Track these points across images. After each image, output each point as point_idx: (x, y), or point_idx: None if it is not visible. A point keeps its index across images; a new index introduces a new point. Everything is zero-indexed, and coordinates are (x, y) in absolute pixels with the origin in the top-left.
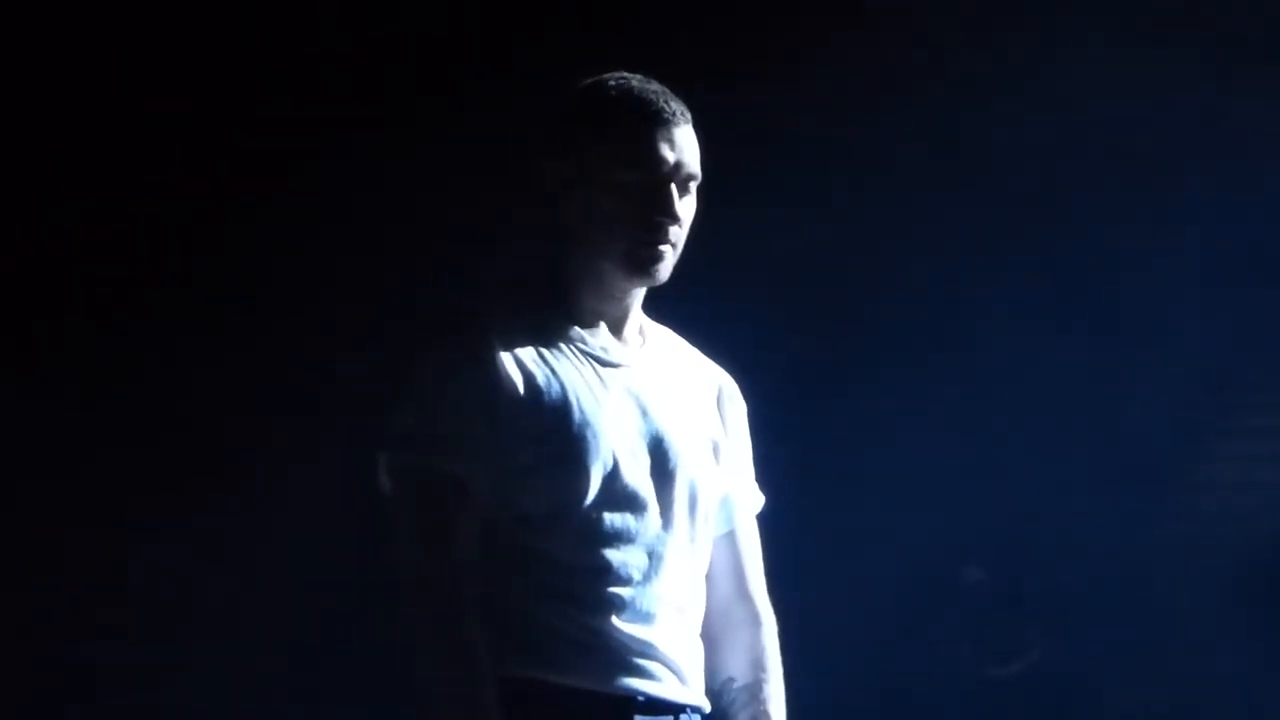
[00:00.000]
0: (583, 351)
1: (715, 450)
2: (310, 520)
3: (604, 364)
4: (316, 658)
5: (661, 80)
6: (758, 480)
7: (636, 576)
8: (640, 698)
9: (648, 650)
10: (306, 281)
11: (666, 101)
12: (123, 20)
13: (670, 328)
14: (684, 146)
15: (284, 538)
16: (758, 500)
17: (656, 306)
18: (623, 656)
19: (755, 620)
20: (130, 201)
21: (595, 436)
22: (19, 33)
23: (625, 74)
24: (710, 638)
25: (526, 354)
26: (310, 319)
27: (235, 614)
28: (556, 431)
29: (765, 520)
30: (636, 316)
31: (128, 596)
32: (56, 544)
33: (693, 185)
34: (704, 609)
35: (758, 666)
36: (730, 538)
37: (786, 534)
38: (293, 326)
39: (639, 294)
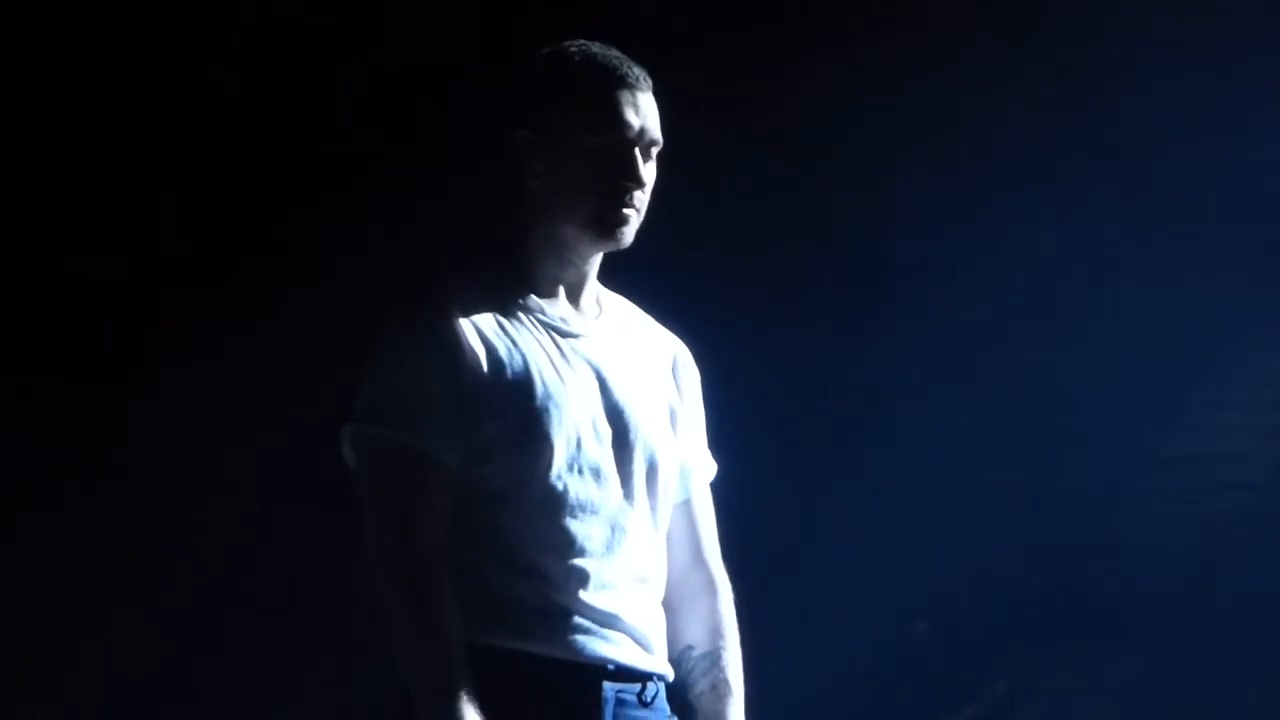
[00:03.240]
0: (542, 322)
1: (673, 419)
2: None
3: (563, 334)
4: (315, 656)
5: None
6: (714, 450)
7: (599, 549)
8: (610, 665)
9: (613, 620)
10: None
11: (630, 67)
12: (121, 19)
13: (631, 298)
14: (647, 112)
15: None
16: (711, 468)
17: (614, 278)
18: (589, 627)
19: (711, 587)
20: (129, 203)
21: (558, 409)
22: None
23: (585, 41)
24: (668, 605)
25: (488, 326)
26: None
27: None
28: (519, 405)
29: (733, 496)
30: (593, 285)
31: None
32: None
33: (655, 151)
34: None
35: (716, 634)
36: (686, 506)
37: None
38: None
39: (597, 261)
